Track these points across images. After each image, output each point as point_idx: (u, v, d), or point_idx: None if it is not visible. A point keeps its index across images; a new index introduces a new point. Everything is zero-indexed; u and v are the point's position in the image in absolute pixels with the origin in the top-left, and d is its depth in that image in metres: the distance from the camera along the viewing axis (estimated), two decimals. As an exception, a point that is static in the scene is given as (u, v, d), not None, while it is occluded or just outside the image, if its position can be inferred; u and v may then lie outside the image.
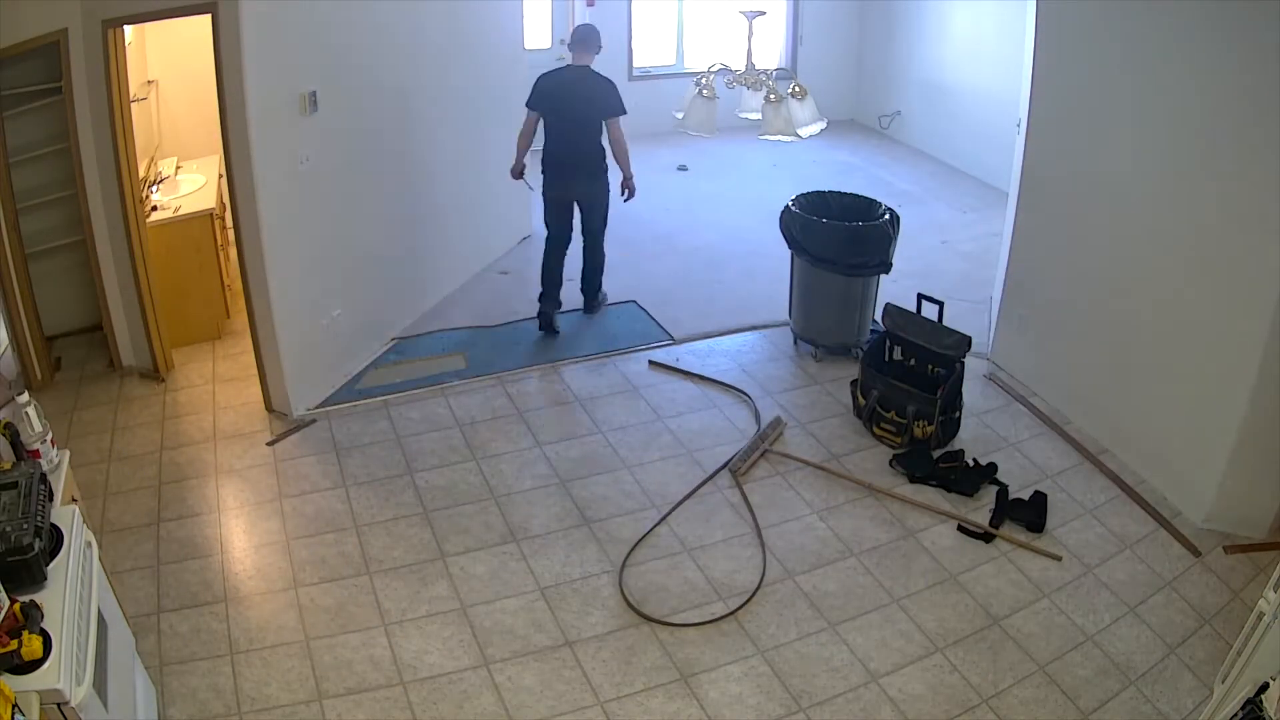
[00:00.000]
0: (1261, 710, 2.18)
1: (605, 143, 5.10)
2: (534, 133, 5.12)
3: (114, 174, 4.35)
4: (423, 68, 5.09)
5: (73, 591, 2.30)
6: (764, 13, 4.06)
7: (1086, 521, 3.92)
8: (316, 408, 4.61)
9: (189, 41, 5.06)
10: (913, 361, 4.63)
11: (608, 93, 4.99)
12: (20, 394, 2.78)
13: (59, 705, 2.04)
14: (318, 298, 4.57)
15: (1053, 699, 3.11)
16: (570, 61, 5.09)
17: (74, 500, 2.81)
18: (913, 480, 4.15)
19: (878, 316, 4.99)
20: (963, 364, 4.40)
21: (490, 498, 4.01)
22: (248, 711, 2.99)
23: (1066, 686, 3.15)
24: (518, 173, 5.25)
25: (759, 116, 3.93)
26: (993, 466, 4.20)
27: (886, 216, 4.94)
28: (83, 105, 4.26)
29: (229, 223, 4.54)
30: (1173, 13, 3.72)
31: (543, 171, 5.17)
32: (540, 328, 5.30)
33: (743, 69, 3.95)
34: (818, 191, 5.27)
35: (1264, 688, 2.22)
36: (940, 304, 4.59)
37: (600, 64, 8.61)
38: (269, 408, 4.55)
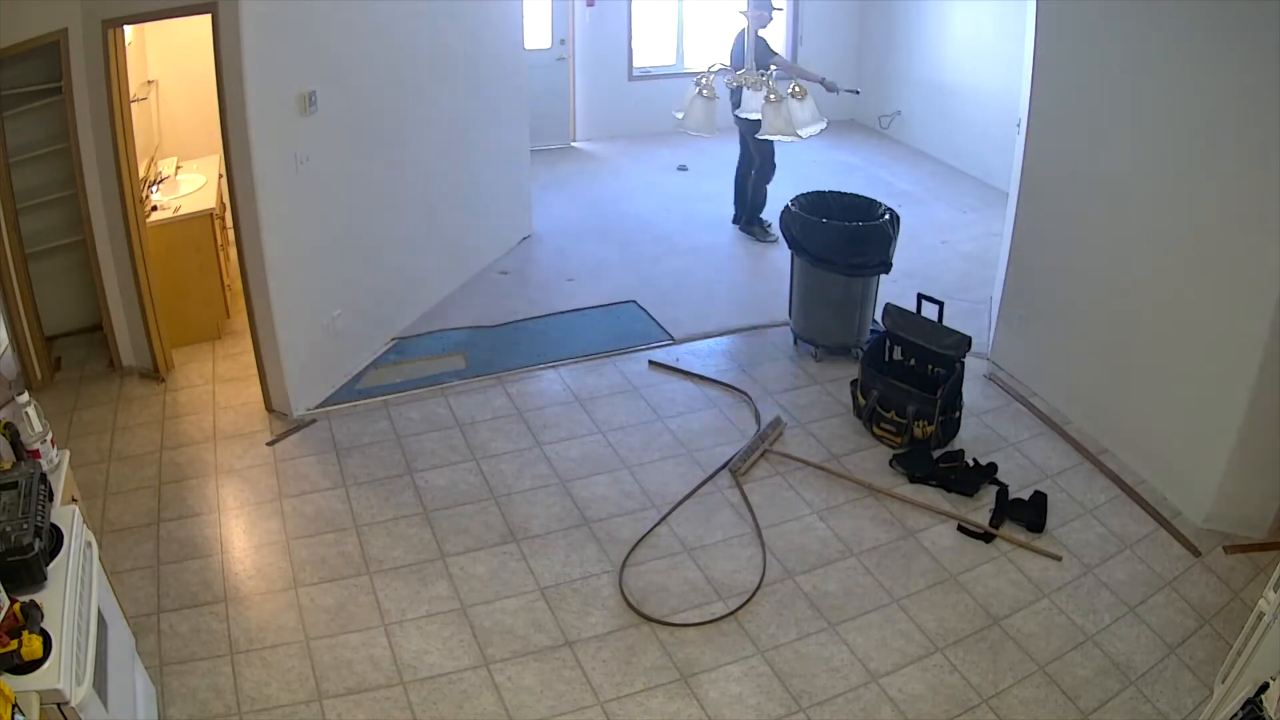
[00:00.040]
0: (1261, 710, 2.18)
1: None
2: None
3: (114, 174, 4.35)
4: (423, 68, 5.09)
5: (73, 591, 2.30)
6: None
7: (1086, 521, 3.92)
8: (316, 408, 4.61)
9: (189, 41, 5.06)
10: (913, 361, 4.63)
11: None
12: (20, 394, 2.78)
13: (59, 705, 2.04)
14: (318, 298, 4.57)
15: (1053, 699, 3.11)
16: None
17: (74, 500, 2.81)
18: (913, 480, 4.15)
19: (878, 316, 4.99)
20: (963, 364, 4.40)
21: (490, 498, 4.01)
22: (248, 711, 2.99)
23: (1066, 686, 3.15)
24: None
25: (759, 116, 3.93)
26: (993, 466, 4.20)
27: (886, 216, 4.94)
28: (83, 105, 4.26)
29: (229, 223, 4.54)
30: (1173, 13, 3.72)
31: None
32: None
33: (743, 69, 3.94)
34: (818, 191, 5.27)
35: (1264, 688, 2.22)
36: (940, 304, 4.60)
37: (600, 64, 8.68)
38: (269, 408, 4.55)
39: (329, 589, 3.50)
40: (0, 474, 2.43)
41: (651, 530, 3.84)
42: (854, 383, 4.65)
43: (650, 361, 5.07)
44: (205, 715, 2.97)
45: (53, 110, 4.35)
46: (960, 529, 3.86)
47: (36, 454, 2.72)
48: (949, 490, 4.08)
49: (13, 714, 1.88)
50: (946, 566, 3.68)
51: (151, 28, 5.11)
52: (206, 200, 5.13)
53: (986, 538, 3.82)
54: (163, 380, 4.81)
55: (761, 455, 4.31)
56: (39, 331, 4.65)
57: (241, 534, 3.79)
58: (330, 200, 4.52)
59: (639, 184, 7.74)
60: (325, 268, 4.59)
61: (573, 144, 8.70)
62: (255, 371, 4.55)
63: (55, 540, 2.40)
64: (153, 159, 5.22)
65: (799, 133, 3.86)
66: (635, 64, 8.76)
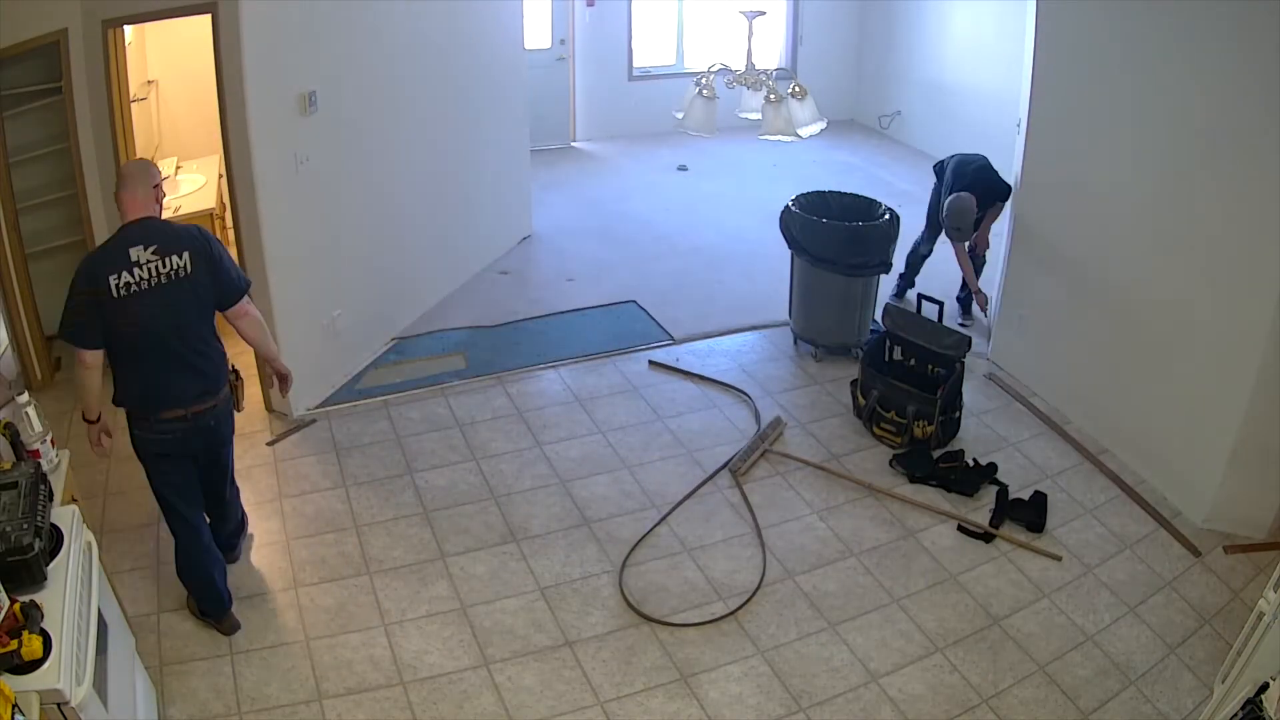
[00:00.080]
0: (1261, 710, 2.18)
1: None
2: None
3: (114, 174, 4.35)
4: (423, 68, 5.09)
5: (73, 591, 2.30)
6: (764, 13, 4.06)
7: (1086, 521, 3.92)
8: (316, 408, 4.60)
9: (189, 41, 5.06)
10: (913, 361, 4.63)
11: None
12: (20, 394, 2.78)
13: (59, 705, 2.04)
14: (318, 298, 4.57)
15: (1053, 699, 3.11)
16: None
17: (74, 500, 2.81)
18: (913, 480, 4.15)
19: (878, 316, 4.99)
20: (963, 364, 4.40)
21: (490, 498, 4.01)
22: (248, 711, 2.99)
23: (1066, 686, 3.15)
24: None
25: (759, 116, 3.93)
26: (993, 466, 4.20)
27: (886, 216, 4.94)
28: (83, 105, 4.26)
29: (229, 223, 4.54)
30: (1173, 13, 3.72)
31: None
32: None
33: (743, 69, 3.95)
34: (818, 191, 5.27)
35: (1264, 688, 2.22)
36: (940, 304, 4.60)
37: (600, 64, 8.67)
38: (269, 408, 4.55)
39: (329, 589, 3.50)
40: (0, 474, 2.43)
41: (651, 530, 3.84)
42: (854, 383, 4.65)
43: (650, 361, 5.07)
44: (205, 715, 2.97)
45: (53, 110, 4.35)
46: (960, 529, 3.86)
47: (36, 454, 2.72)
48: (949, 490, 4.08)
49: (13, 714, 1.88)
50: (946, 566, 3.68)
51: (151, 28, 5.11)
52: (206, 200, 5.13)
53: (986, 538, 3.82)
54: (163, 380, 4.80)
55: (761, 455, 4.31)
56: (39, 331, 4.64)
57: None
58: (330, 200, 4.52)
59: (639, 184, 7.74)
60: (325, 268, 4.59)
61: (573, 144, 8.71)
62: (255, 371, 4.54)
63: (55, 540, 2.40)
64: (153, 159, 5.22)
65: (799, 133, 3.86)
66: (635, 64, 8.76)
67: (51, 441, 2.81)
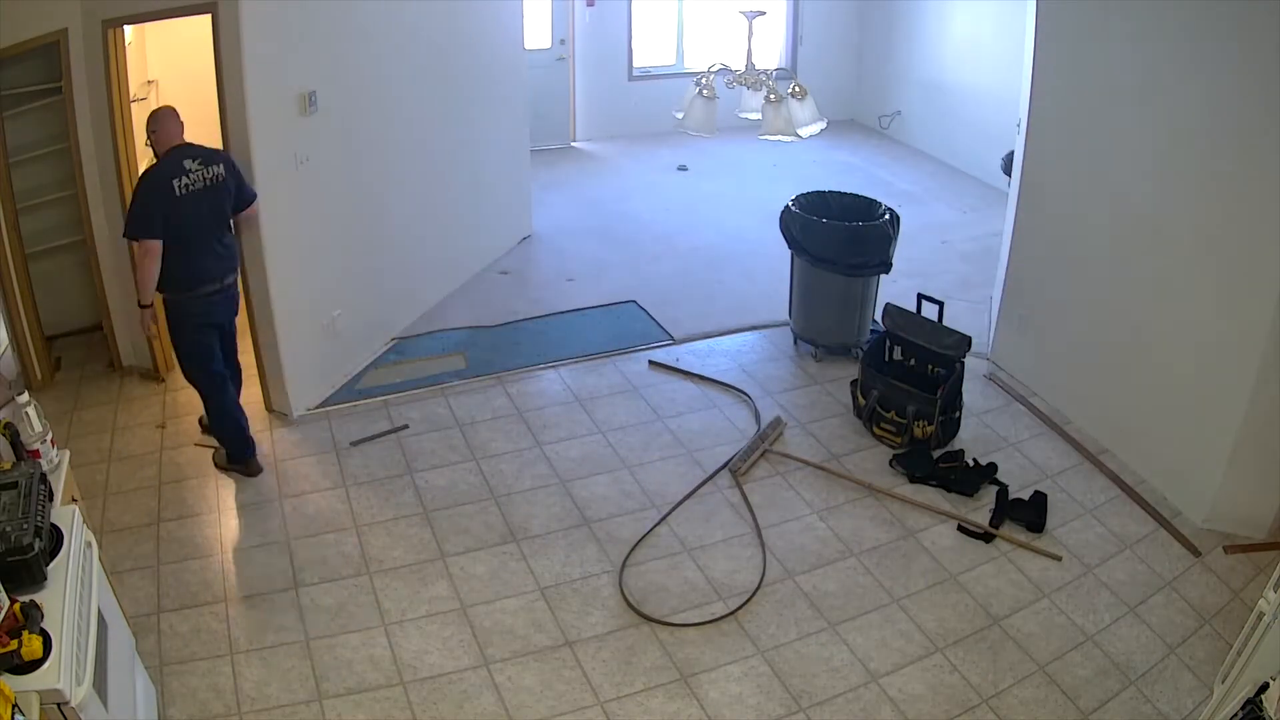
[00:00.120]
0: (1261, 710, 2.18)
1: None
2: None
3: (114, 174, 4.35)
4: (423, 67, 5.09)
5: (73, 591, 2.30)
6: (764, 13, 4.06)
7: (1086, 521, 3.92)
8: (316, 408, 4.61)
9: (189, 41, 5.05)
10: (913, 361, 4.63)
11: None
12: (20, 394, 2.78)
13: (59, 705, 2.04)
14: (318, 298, 4.57)
15: (1053, 699, 3.11)
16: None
17: (74, 500, 2.81)
18: (913, 480, 4.15)
19: (878, 316, 4.99)
20: (963, 364, 4.40)
21: (490, 498, 4.01)
22: (248, 711, 2.99)
23: (1066, 686, 3.15)
24: None
25: (759, 116, 3.93)
26: (993, 466, 4.20)
27: (886, 216, 4.94)
28: (83, 105, 4.26)
29: (229, 223, 4.54)
30: (1173, 12, 3.72)
31: None
32: None
33: (743, 69, 3.95)
34: (818, 191, 5.27)
35: (1264, 688, 2.22)
36: (940, 304, 4.60)
37: (600, 64, 8.67)
38: (269, 408, 4.55)
39: (329, 589, 3.50)
40: (0, 474, 2.43)
41: (651, 530, 3.84)
42: (854, 383, 4.65)
43: (650, 361, 5.07)
44: (205, 715, 2.97)
45: (53, 110, 4.35)
46: (960, 529, 3.86)
47: (36, 454, 2.72)
48: (949, 490, 4.08)
49: (13, 714, 1.88)
50: (946, 566, 3.68)
51: (151, 28, 5.11)
52: (206, 200, 5.12)
53: (986, 538, 3.82)
54: (163, 380, 4.81)
55: (761, 455, 4.31)
56: (39, 331, 4.64)
57: (241, 534, 3.79)
58: (330, 200, 4.52)
59: (639, 184, 7.74)
60: (325, 268, 4.59)
61: (573, 144, 8.71)
62: (255, 371, 4.55)
63: (55, 540, 2.40)
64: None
65: (799, 133, 3.87)
66: (635, 64, 8.76)
67: (51, 441, 2.81)
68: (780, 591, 3.55)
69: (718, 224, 6.91)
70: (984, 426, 4.56)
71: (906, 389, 4.32)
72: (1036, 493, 4.03)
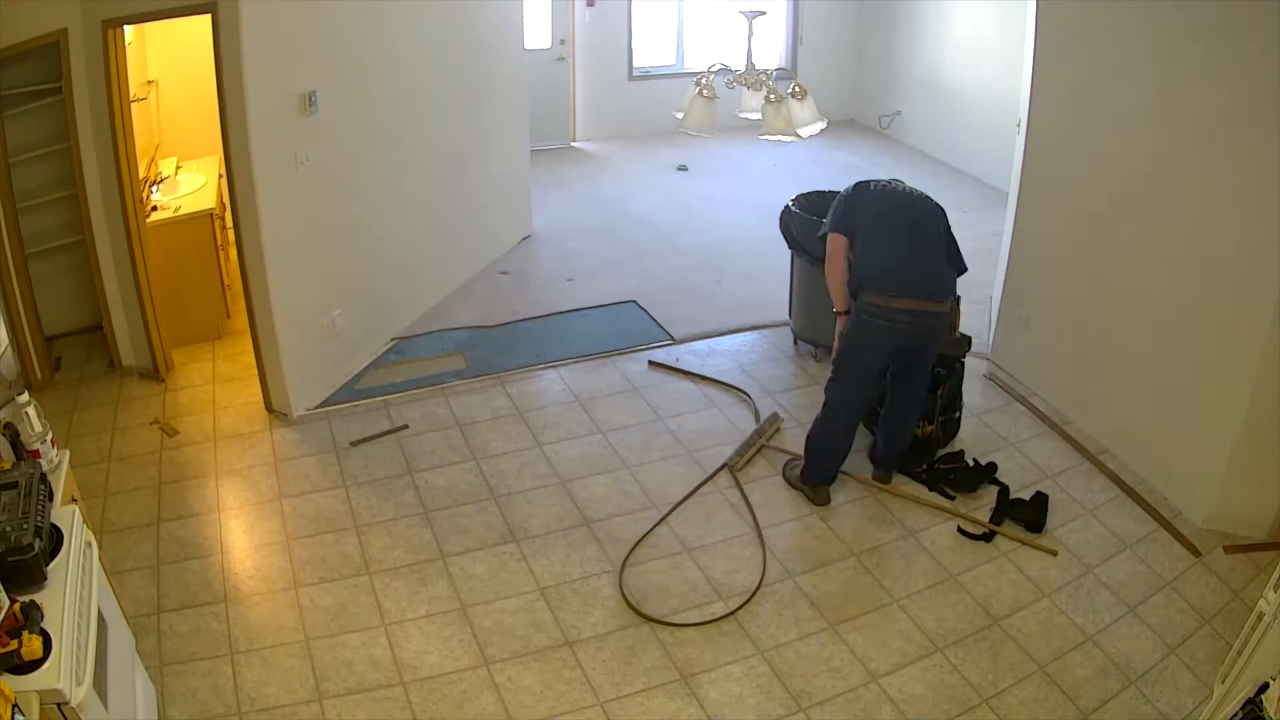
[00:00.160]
0: (1261, 710, 2.18)
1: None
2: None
3: (114, 174, 4.35)
4: (423, 68, 5.09)
5: (73, 591, 2.30)
6: (764, 13, 4.06)
7: (1086, 521, 3.92)
8: (316, 408, 4.61)
9: (189, 41, 5.06)
10: (913, 361, 4.62)
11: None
12: (20, 394, 2.78)
13: (59, 705, 2.04)
14: (318, 298, 4.57)
15: (1053, 699, 3.11)
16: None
17: (74, 500, 2.81)
18: (913, 480, 4.14)
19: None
20: (963, 364, 4.40)
21: (490, 498, 4.01)
22: (248, 711, 2.99)
23: (1066, 686, 3.15)
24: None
25: (759, 116, 3.93)
26: (993, 466, 4.20)
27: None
28: (83, 105, 4.26)
29: (229, 223, 4.54)
30: (1173, 11, 3.72)
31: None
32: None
33: (743, 69, 3.95)
34: (818, 191, 5.26)
35: (1264, 688, 2.22)
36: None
37: (600, 64, 8.67)
38: (269, 408, 4.56)
39: (329, 589, 3.50)
40: (0, 474, 2.43)
41: (651, 530, 3.84)
42: (854, 383, 4.64)
43: (650, 361, 5.07)
44: (205, 715, 2.97)
45: (53, 110, 4.35)
46: (960, 530, 3.86)
47: (36, 454, 2.72)
48: (949, 490, 4.08)
49: (13, 714, 1.88)
50: (946, 566, 3.68)
51: (151, 28, 5.11)
52: (206, 200, 5.13)
53: (987, 537, 3.81)
54: (163, 380, 4.81)
55: (759, 451, 4.31)
56: (39, 331, 4.65)
57: (241, 534, 3.79)
58: (330, 200, 4.52)
59: (639, 184, 7.74)
60: (325, 268, 4.59)
61: (573, 144, 8.71)
62: (255, 371, 4.55)
63: (55, 540, 2.40)
64: (153, 159, 5.22)
65: (799, 133, 3.87)
66: (635, 64, 8.77)
67: (51, 441, 2.81)
68: (780, 591, 3.55)
69: (718, 224, 6.90)
70: (984, 426, 4.56)
71: (906, 389, 4.31)
72: (1038, 493, 4.03)
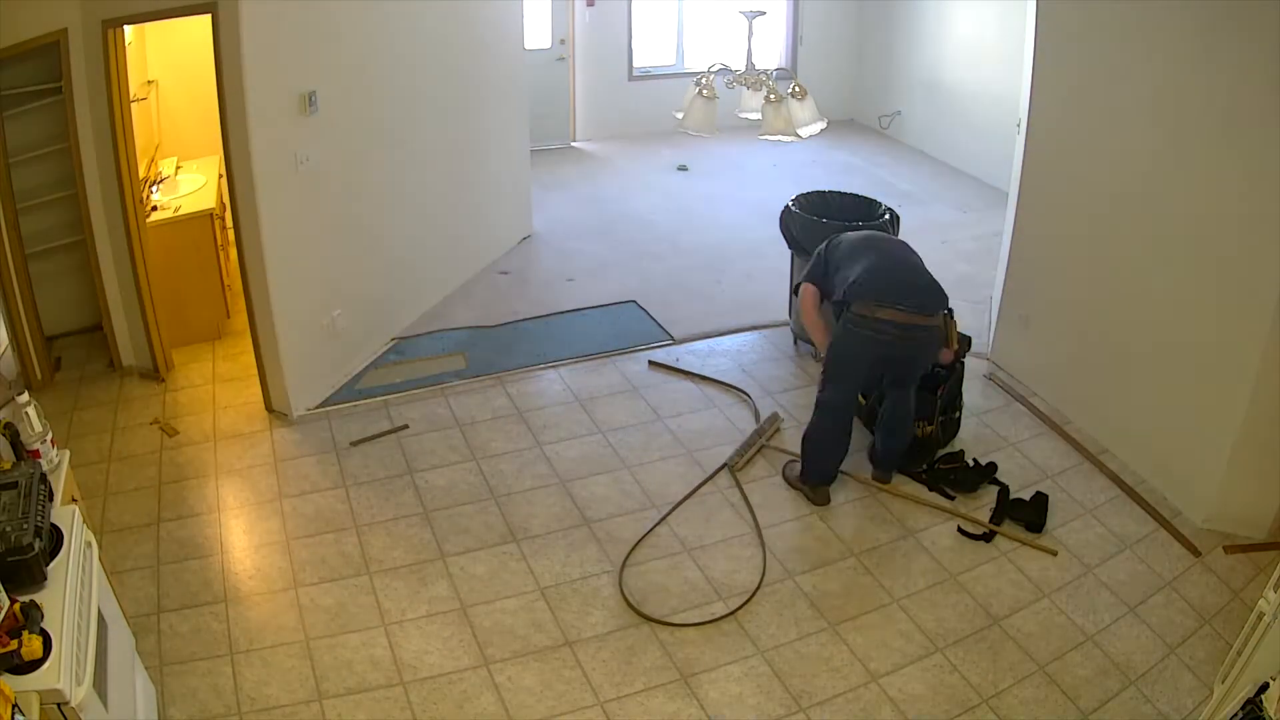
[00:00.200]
0: (1261, 710, 2.18)
1: None
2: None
3: (114, 174, 4.35)
4: (423, 68, 5.09)
5: (73, 591, 2.30)
6: (764, 13, 4.06)
7: (1086, 521, 3.92)
8: (316, 408, 4.61)
9: (189, 41, 5.06)
10: (913, 361, 4.62)
11: None
12: (20, 394, 2.78)
13: (59, 705, 2.04)
14: (318, 297, 4.57)
15: (1053, 699, 3.11)
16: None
17: (74, 500, 2.81)
18: (913, 480, 4.14)
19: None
20: (963, 364, 4.40)
21: (490, 498, 4.01)
22: (248, 711, 2.99)
23: (1066, 686, 3.15)
24: None
25: (759, 116, 3.93)
26: (993, 466, 4.20)
27: (886, 216, 4.94)
28: (83, 105, 4.26)
29: (229, 223, 4.54)
30: (1174, 12, 3.72)
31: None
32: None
33: (743, 69, 3.95)
34: (818, 191, 5.26)
35: (1264, 688, 2.22)
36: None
37: (600, 64, 8.67)
38: (269, 408, 4.56)
39: (329, 589, 3.50)
40: (0, 474, 2.43)
41: (651, 530, 3.84)
42: (854, 383, 4.64)
43: (650, 361, 5.07)
44: (205, 715, 2.97)
45: (53, 110, 4.35)
46: (960, 530, 3.86)
47: (36, 454, 2.72)
48: (949, 490, 4.08)
49: (13, 714, 1.88)
50: (946, 566, 3.68)
51: (151, 28, 5.11)
52: (206, 200, 5.13)
53: (987, 538, 3.81)
54: (163, 380, 4.81)
55: (758, 451, 4.31)
56: (39, 331, 4.65)
57: (241, 534, 3.79)
58: (330, 200, 4.52)
59: (639, 184, 7.74)
60: (325, 268, 4.59)
61: (573, 144, 8.71)
62: (255, 371, 4.55)
63: (55, 540, 2.40)
64: (153, 159, 5.22)
65: (799, 133, 3.87)
66: (635, 64, 8.77)
67: (51, 441, 2.81)
68: (780, 591, 3.55)
69: (718, 224, 6.91)
70: (984, 426, 4.56)
71: (906, 389, 4.31)
72: (1038, 493, 4.03)
